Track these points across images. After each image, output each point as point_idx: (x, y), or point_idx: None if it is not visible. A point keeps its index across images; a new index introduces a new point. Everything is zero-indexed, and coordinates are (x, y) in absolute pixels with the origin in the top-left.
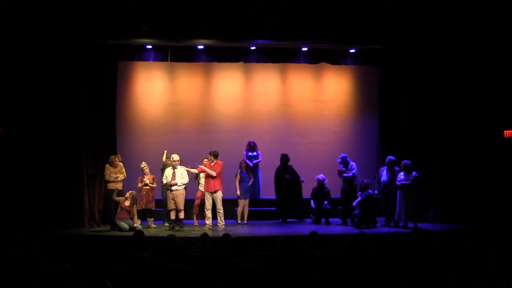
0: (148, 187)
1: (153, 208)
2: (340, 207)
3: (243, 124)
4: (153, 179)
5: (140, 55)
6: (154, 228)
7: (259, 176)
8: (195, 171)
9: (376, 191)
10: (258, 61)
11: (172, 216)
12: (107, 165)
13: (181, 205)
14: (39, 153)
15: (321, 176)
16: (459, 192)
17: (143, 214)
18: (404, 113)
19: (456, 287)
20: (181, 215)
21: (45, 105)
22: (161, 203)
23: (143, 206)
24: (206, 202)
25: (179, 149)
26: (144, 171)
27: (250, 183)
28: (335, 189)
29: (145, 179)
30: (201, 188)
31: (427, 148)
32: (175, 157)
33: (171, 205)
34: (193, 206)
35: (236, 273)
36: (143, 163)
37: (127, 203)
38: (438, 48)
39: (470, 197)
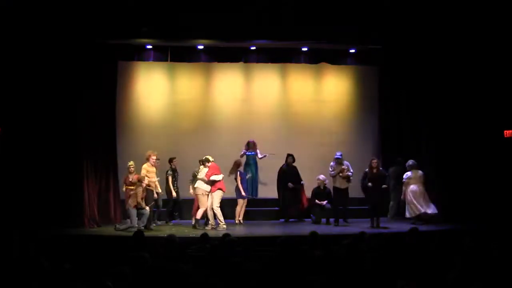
0: (132, 187)
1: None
2: (340, 207)
3: (243, 124)
4: (138, 178)
5: (140, 55)
6: (153, 228)
7: (257, 175)
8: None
9: None
10: (258, 61)
11: (199, 216)
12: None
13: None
14: (39, 153)
15: (321, 176)
16: (459, 192)
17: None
18: (404, 113)
19: (456, 287)
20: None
21: (45, 105)
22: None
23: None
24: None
25: (179, 149)
26: (129, 170)
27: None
28: None
29: (130, 179)
30: None
31: (427, 148)
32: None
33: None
34: (193, 207)
35: (236, 273)
36: (131, 162)
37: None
38: (438, 48)
39: (470, 197)
